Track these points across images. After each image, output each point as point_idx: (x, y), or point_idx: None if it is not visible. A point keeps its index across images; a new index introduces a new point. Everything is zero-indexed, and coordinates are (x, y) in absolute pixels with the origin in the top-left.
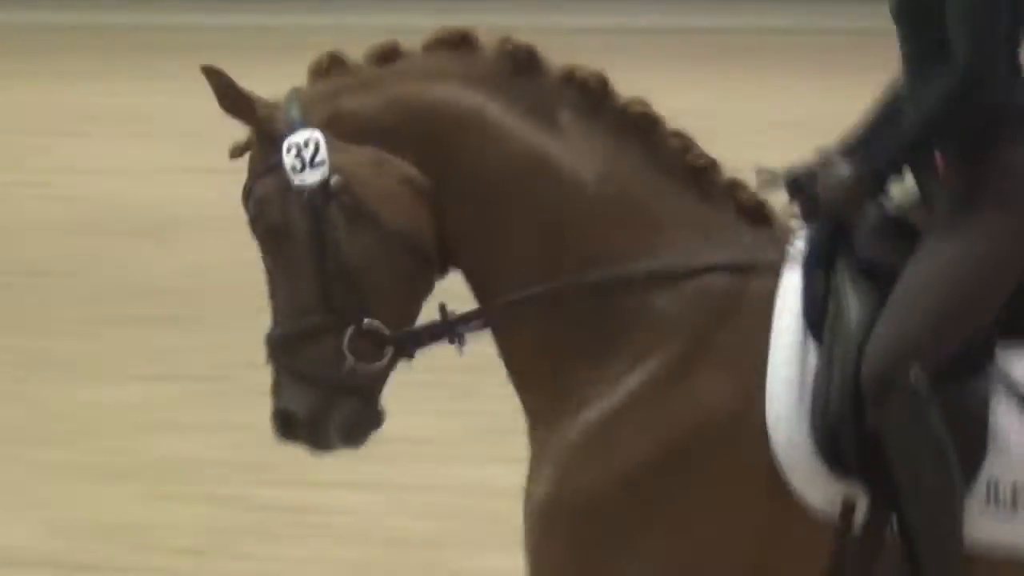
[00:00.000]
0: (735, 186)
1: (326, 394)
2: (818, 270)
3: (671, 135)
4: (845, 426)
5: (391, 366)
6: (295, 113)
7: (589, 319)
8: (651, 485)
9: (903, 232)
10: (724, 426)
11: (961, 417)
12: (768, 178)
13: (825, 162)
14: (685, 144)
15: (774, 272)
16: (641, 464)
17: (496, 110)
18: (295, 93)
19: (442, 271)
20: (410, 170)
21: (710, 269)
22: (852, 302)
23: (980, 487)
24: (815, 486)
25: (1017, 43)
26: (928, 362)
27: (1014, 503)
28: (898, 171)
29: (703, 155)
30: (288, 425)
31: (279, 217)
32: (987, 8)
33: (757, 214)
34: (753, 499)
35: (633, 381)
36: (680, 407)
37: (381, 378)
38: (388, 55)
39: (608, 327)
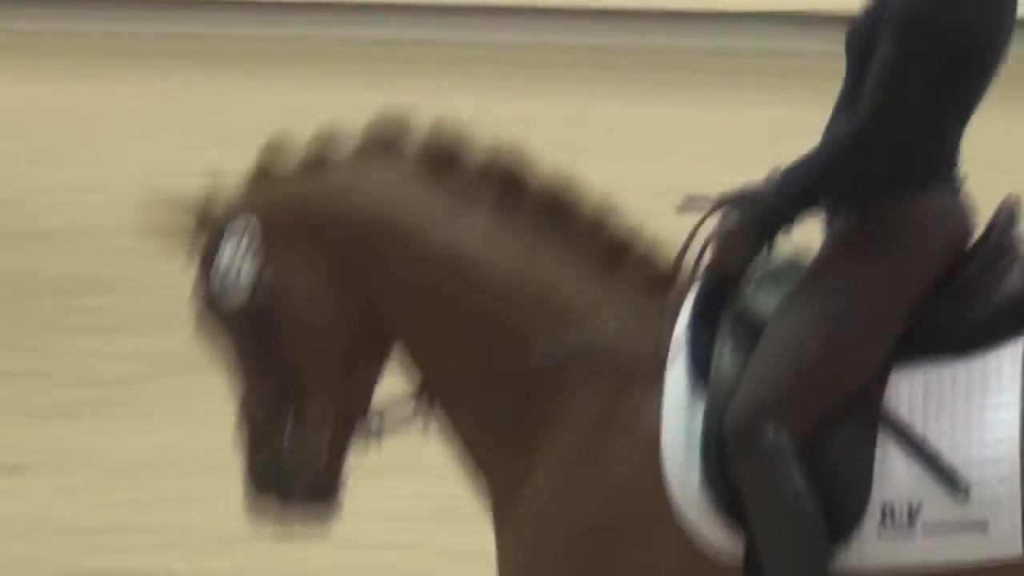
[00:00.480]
0: (644, 257)
1: (281, 469)
2: (703, 325)
3: (585, 217)
4: (717, 481)
5: (340, 446)
6: (229, 224)
7: (510, 403)
8: (586, 552)
9: (788, 281)
10: (634, 490)
11: (847, 460)
12: (690, 206)
13: (724, 210)
14: (598, 223)
15: (668, 335)
16: (573, 536)
17: (413, 213)
18: (232, 203)
19: (383, 354)
20: (333, 266)
21: (614, 342)
22: (726, 357)
23: (874, 514)
24: (714, 536)
25: (948, 120)
26: (795, 418)
27: (911, 521)
28: (788, 218)
29: (615, 232)
30: (257, 492)
31: (218, 323)
32: (904, 68)
33: (664, 280)
34: (671, 553)
35: (553, 461)
36: (597, 480)
37: (332, 456)
38: (316, 162)
39: (527, 409)
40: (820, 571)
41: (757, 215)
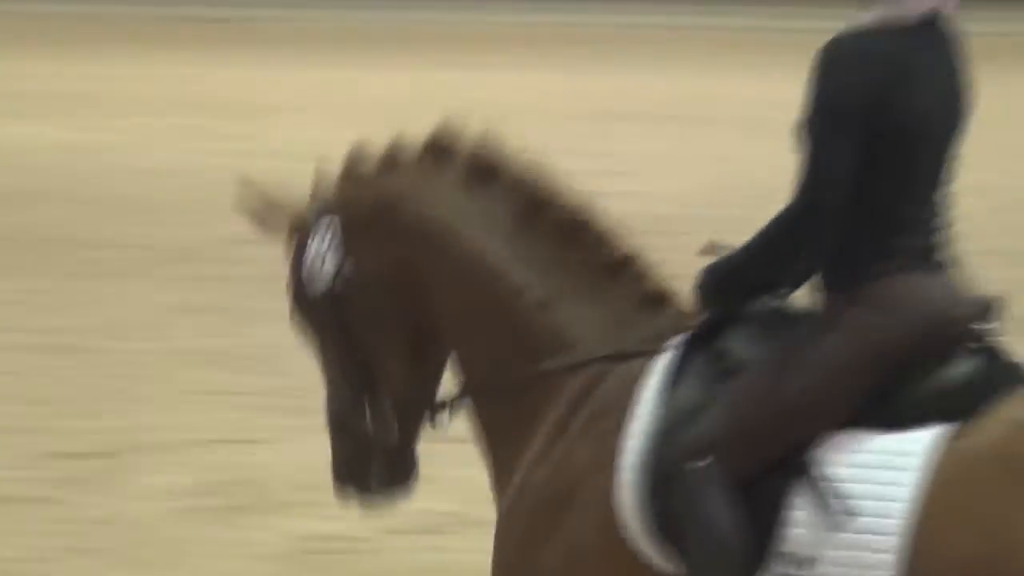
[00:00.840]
0: (643, 277)
1: (364, 457)
2: (685, 356)
3: (596, 236)
4: (655, 503)
5: (410, 434)
6: (317, 220)
7: (518, 403)
8: (541, 534)
9: (774, 330)
10: (592, 489)
11: (763, 503)
12: (709, 251)
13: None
14: (607, 242)
15: (651, 357)
16: (536, 512)
17: (451, 221)
18: (320, 201)
19: (442, 355)
20: (393, 263)
21: (604, 358)
22: (691, 391)
23: (778, 560)
24: (655, 552)
25: (886, 193)
26: (736, 461)
27: (809, 565)
28: (744, 281)
29: (620, 251)
30: (339, 482)
31: (306, 312)
32: (826, 141)
33: (659, 301)
34: (615, 555)
35: (535, 457)
36: (560, 475)
37: (404, 443)
38: (387, 166)
39: (529, 410)
40: None
41: (706, 276)
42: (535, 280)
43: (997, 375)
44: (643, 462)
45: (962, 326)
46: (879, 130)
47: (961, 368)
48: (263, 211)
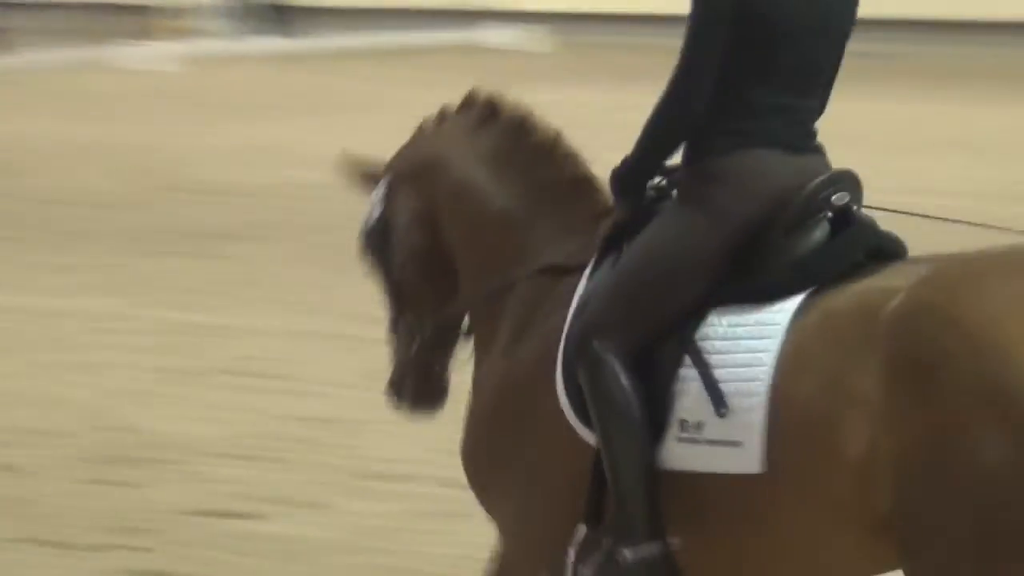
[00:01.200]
0: (597, 195)
1: (401, 370)
2: (602, 253)
3: (563, 158)
4: (571, 381)
5: (440, 350)
6: (380, 177)
7: (491, 312)
8: (498, 421)
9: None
10: (538, 379)
11: (659, 376)
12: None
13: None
14: (571, 164)
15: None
16: (492, 404)
17: (462, 156)
18: (384, 165)
19: (454, 277)
20: (419, 204)
21: (548, 269)
22: (597, 280)
23: (674, 426)
24: (583, 426)
25: (743, 78)
26: (620, 336)
27: (697, 430)
28: (640, 173)
29: (581, 170)
30: (388, 390)
31: (364, 246)
32: (698, 37)
33: (602, 216)
34: (557, 434)
35: (495, 349)
36: (512, 366)
37: (430, 362)
38: (421, 130)
39: (498, 317)
40: (639, 465)
41: (617, 172)
42: (511, 201)
43: (851, 241)
44: (564, 347)
45: (813, 198)
46: (744, 18)
47: (816, 237)
48: (355, 174)
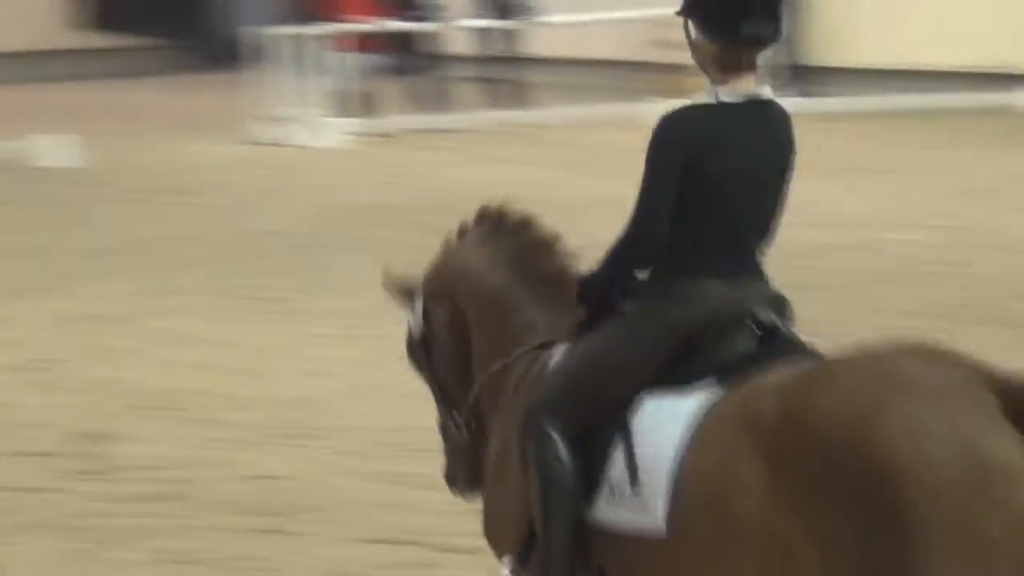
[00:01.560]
0: (571, 286)
1: (453, 460)
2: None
3: (549, 254)
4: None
5: (482, 436)
6: (417, 294)
7: (496, 385)
8: (493, 481)
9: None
10: (516, 443)
11: (597, 448)
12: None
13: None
14: (554, 259)
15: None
16: (492, 464)
17: (480, 265)
18: (419, 283)
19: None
20: (450, 314)
21: (541, 345)
22: (558, 363)
23: (605, 488)
24: None
25: (695, 221)
26: (565, 417)
27: (621, 495)
28: (600, 289)
29: (561, 265)
30: (446, 479)
31: (411, 355)
32: (652, 186)
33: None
34: (517, 477)
35: (496, 423)
36: (505, 431)
37: (475, 447)
38: (446, 247)
39: (501, 390)
40: (564, 526)
41: (584, 283)
42: (513, 294)
43: (772, 351)
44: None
45: (747, 314)
46: (693, 180)
47: (740, 345)
48: (396, 291)
